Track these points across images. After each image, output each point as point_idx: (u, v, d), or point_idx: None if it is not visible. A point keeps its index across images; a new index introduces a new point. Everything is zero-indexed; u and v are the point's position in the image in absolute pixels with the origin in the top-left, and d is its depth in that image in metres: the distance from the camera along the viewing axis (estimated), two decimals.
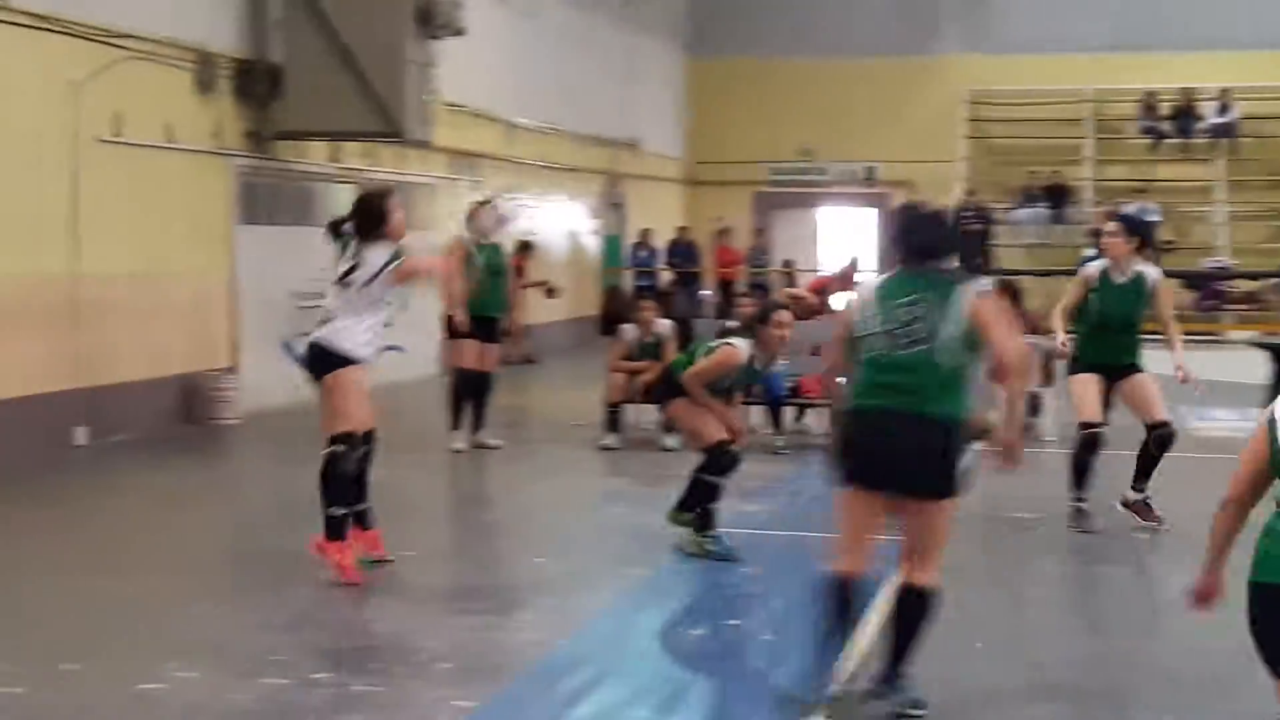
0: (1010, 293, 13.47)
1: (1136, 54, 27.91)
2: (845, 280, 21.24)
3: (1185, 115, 27.82)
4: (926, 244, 5.63)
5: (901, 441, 5.38)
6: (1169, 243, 25.67)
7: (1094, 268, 9.25)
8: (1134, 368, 9.13)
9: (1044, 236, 27.28)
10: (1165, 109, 27.99)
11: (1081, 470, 9.22)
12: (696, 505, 8.38)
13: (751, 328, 8.41)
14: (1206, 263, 25.64)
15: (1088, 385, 9.13)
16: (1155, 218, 25.81)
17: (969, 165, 28.54)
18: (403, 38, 14.53)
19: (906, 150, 28.56)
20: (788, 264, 26.91)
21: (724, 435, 8.30)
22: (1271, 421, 3.95)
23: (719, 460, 8.29)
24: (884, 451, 5.43)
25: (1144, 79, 27.86)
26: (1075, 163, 28.04)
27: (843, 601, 5.54)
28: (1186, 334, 9.79)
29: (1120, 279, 9.09)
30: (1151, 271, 9.19)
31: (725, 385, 8.42)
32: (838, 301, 19.36)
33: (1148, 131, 28.06)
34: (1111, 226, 9.36)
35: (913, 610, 5.52)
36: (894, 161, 28.91)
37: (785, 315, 8.35)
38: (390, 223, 7.78)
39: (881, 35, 29.03)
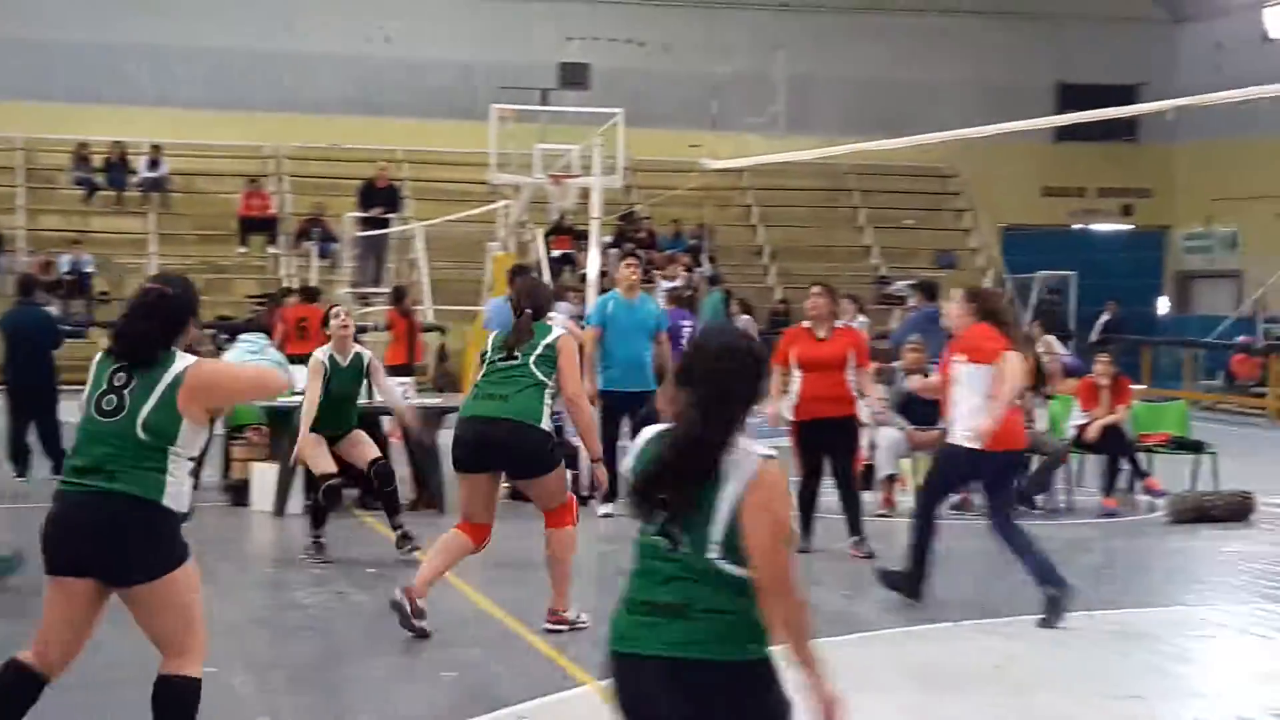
0: None
1: (69, 105, 27.96)
2: None
3: (118, 168, 28.21)
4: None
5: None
6: (105, 294, 25.97)
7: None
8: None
9: None
10: (98, 161, 28.21)
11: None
12: None
13: None
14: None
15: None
16: (90, 269, 26.06)
17: None
18: None
19: None
20: None
21: None
22: None
23: None
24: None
25: (76, 130, 27.93)
26: (9, 211, 27.42)
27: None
28: None
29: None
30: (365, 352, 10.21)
31: None
32: None
33: (81, 183, 28.11)
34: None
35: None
36: None
37: None
38: None
39: None
